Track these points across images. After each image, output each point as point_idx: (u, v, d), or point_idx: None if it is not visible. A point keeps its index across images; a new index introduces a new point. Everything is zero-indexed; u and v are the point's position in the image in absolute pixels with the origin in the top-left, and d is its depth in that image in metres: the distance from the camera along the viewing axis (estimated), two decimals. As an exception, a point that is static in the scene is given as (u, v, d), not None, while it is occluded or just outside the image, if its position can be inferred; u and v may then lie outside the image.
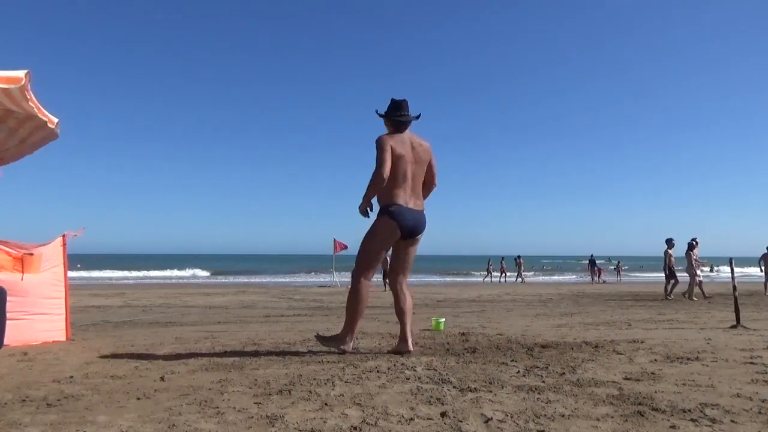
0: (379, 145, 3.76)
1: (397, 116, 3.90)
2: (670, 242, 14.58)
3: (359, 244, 3.90)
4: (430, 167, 3.96)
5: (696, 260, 13.87)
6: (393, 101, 3.97)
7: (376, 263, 3.90)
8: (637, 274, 42.06)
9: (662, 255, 14.70)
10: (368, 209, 3.84)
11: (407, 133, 3.91)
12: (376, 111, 4.01)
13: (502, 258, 31.66)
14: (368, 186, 3.76)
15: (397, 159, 3.75)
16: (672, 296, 13.84)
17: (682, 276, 14.14)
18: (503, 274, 31.06)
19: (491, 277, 31.54)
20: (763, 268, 16.32)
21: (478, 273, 39.96)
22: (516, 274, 30.92)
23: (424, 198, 4.00)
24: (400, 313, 3.87)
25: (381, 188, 3.75)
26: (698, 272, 13.76)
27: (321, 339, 3.95)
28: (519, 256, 30.86)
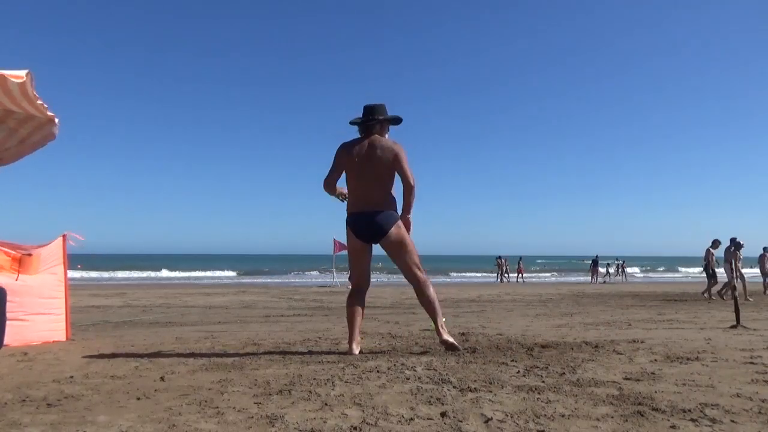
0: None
1: (354, 122, 4.06)
2: (715, 243, 14.75)
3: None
4: (400, 169, 3.88)
5: (739, 261, 14.12)
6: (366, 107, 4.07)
7: (354, 270, 4.04)
8: (662, 275, 41.97)
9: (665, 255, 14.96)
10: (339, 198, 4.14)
11: (373, 138, 3.94)
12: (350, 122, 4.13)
13: (520, 258, 31.98)
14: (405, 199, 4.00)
15: (344, 167, 3.96)
16: (726, 297, 13.79)
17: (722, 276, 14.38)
18: (520, 274, 31.35)
19: (509, 277, 31.76)
20: (760, 268, 16.61)
21: (479, 274, 40.09)
22: (496, 274, 31.14)
23: (407, 200, 3.94)
24: (423, 305, 3.99)
25: (328, 192, 4.05)
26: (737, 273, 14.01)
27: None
28: (500, 257, 31.10)
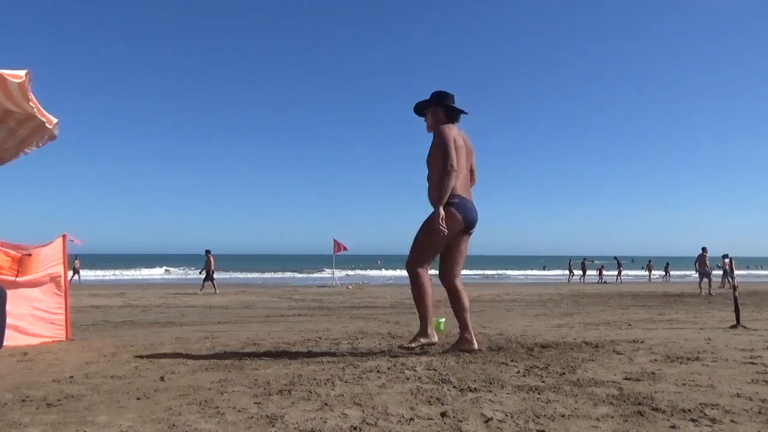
0: (445, 135, 3.59)
1: (454, 107, 3.82)
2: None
3: (414, 237, 3.74)
4: (473, 163, 3.88)
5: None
6: (443, 92, 3.84)
7: (431, 253, 3.76)
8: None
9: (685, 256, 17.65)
10: (443, 222, 3.51)
11: (457, 126, 3.81)
12: (430, 100, 3.84)
13: (584, 259, 33.57)
14: (442, 183, 3.53)
15: (458, 150, 3.64)
16: None
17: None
18: (583, 275, 32.58)
19: (572, 276, 33.26)
20: (697, 269, 17.80)
21: (474, 273, 40.55)
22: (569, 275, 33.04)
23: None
24: (461, 310, 3.73)
25: (450, 173, 3.54)
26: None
27: (406, 347, 3.75)
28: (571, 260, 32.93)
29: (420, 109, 3.93)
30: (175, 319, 8.58)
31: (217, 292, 17.91)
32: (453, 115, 3.81)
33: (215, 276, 19.31)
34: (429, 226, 3.62)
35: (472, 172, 3.88)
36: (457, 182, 3.63)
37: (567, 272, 34.65)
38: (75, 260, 29.53)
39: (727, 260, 21.36)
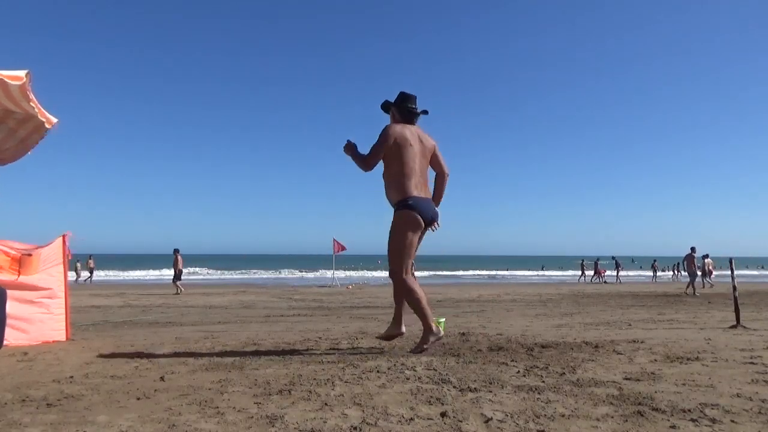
0: (383, 133, 3.82)
1: (408, 107, 3.97)
2: None
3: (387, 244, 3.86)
4: (436, 158, 3.99)
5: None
6: (403, 93, 4.02)
7: (410, 257, 3.84)
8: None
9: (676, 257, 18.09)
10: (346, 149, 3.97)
11: (415, 126, 3.96)
12: (386, 101, 4.05)
13: (597, 259, 33.83)
14: (356, 157, 3.89)
15: (408, 150, 3.80)
16: None
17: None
18: (596, 275, 32.77)
19: (585, 276, 33.61)
20: (686, 268, 17.86)
21: (474, 273, 40.66)
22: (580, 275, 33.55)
23: (442, 188, 4.05)
24: (416, 306, 3.79)
25: (362, 168, 3.87)
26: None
27: (418, 349, 3.76)
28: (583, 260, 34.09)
29: (386, 109, 4.14)
30: (175, 319, 8.58)
31: (179, 292, 17.49)
32: (408, 116, 3.98)
33: (182, 277, 18.99)
34: (392, 230, 3.83)
35: (438, 167, 4.03)
36: (410, 182, 3.79)
37: (578, 272, 35.06)
38: (89, 259, 29.40)
39: (707, 260, 21.39)
